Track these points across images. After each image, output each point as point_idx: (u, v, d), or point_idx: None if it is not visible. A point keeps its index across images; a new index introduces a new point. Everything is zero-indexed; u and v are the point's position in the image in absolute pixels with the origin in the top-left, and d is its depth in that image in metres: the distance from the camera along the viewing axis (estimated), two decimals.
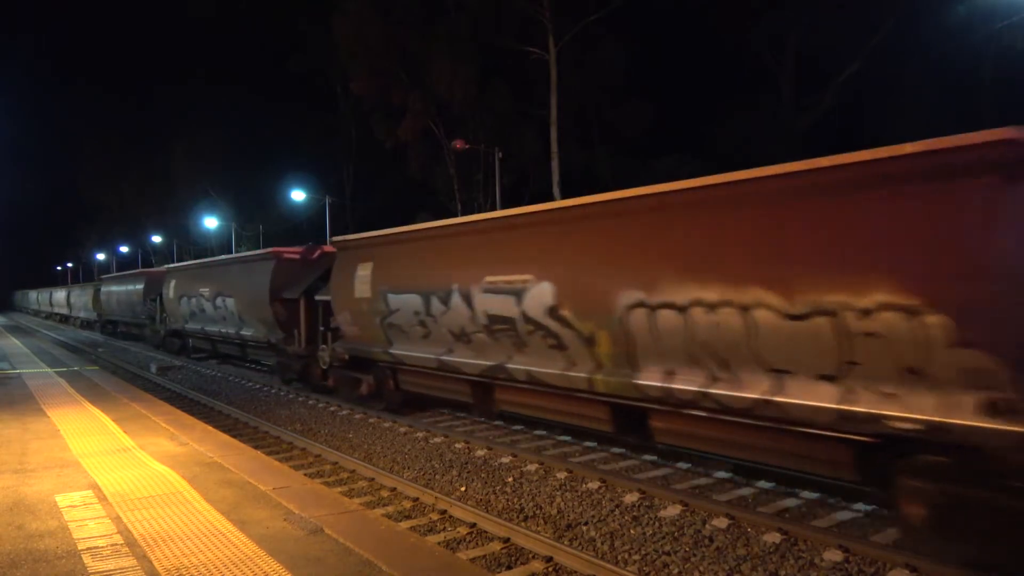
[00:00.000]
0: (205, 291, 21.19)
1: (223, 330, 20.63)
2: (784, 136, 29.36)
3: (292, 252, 17.35)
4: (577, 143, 35.13)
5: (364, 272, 12.88)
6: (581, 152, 35.46)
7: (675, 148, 32.75)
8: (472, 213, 38.40)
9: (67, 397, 13.01)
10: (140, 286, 30.39)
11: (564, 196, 29.72)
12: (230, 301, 19.31)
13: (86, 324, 47.61)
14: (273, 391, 17.09)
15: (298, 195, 43.51)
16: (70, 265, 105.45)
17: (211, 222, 55.71)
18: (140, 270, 35.94)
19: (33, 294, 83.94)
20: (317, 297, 15.24)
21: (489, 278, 9.88)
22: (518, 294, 9.34)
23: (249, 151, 56.73)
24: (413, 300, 11.55)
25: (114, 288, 36.14)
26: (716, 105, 33.16)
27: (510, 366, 9.82)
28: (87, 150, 76.74)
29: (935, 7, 24.55)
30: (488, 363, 10.22)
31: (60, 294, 60.10)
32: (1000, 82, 24.56)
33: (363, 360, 13.63)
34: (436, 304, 10.98)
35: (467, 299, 10.29)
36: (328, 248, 16.80)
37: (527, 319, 9.25)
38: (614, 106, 35.12)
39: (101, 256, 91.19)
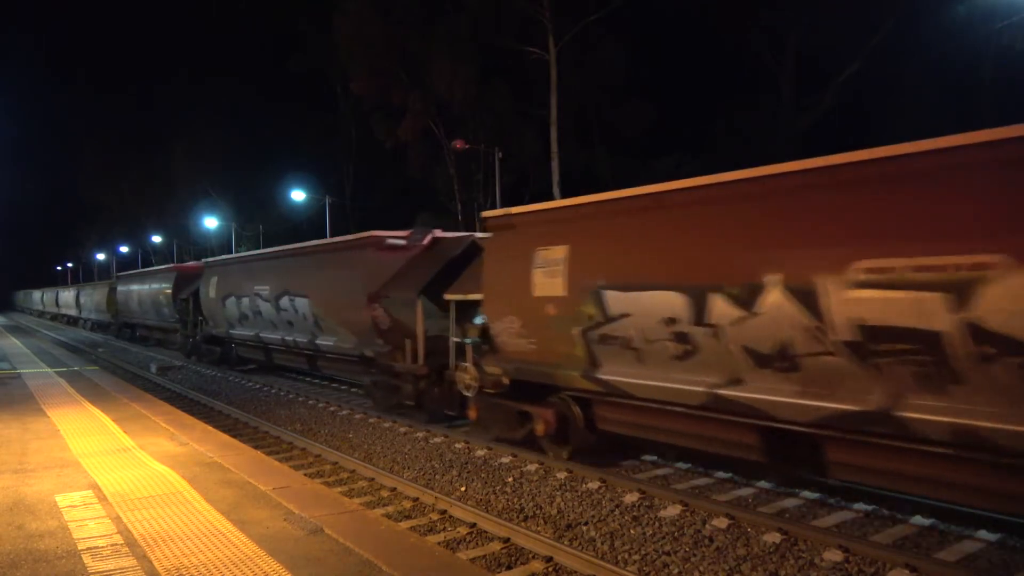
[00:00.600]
0: (263, 289, 17.41)
1: (288, 338, 16.75)
2: (784, 136, 29.38)
3: (396, 237, 13.43)
4: (577, 143, 35.19)
5: (551, 259, 9.04)
6: (581, 152, 35.51)
7: (675, 148, 32.81)
8: (472, 214, 38.71)
9: (67, 397, 13.01)
10: (169, 284, 26.56)
11: (563, 195, 29.79)
12: (302, 302, 15.54)
13: (98, 326, 43.55)
14: (273, 391, 17.09)
15: (298, 195, 43.60)
16: (70, 265, 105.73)
17: (211, 222, 55.78)
18: (169, 265, 31.82)
19: (37, 294, 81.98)
20: (447, 296, 11.38)
21: (867, 263, 5.91)
22: (957, 291, 5.42)
23: (249, 151, 56.85)
24: (662, 300, 7.57)
25: (134, 287, 31.86)
26: (716, 105, 33.22)
27: (906, 415, 5.91)
28: (87, 150, 76.96)
29: (935, 7, 24.59)
30: (843, 406, 6.27)
31: (68, 294, 56.50)
32: (1000, 82, 24.59)
33: (535, 387, 9.76)
34: (721, 306, 7.03)
35: (805, 299, 6.33)
36: (442, 234, 13.51)
37: (982, 335, 5.34)
38: (614, 106, 35.17)
39: (101, 256, 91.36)
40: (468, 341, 10.90)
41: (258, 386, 18.03)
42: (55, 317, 63.97)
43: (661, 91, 35.70)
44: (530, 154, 35.42)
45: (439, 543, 6.66)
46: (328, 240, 15.70)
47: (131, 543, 5.21)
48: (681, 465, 9.35)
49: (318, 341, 15.44)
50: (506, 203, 31.33)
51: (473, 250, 11.91)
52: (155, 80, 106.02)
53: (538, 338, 9.41)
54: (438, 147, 38.38)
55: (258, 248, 37.84)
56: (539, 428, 9.75)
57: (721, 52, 33.73)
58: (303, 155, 50.54)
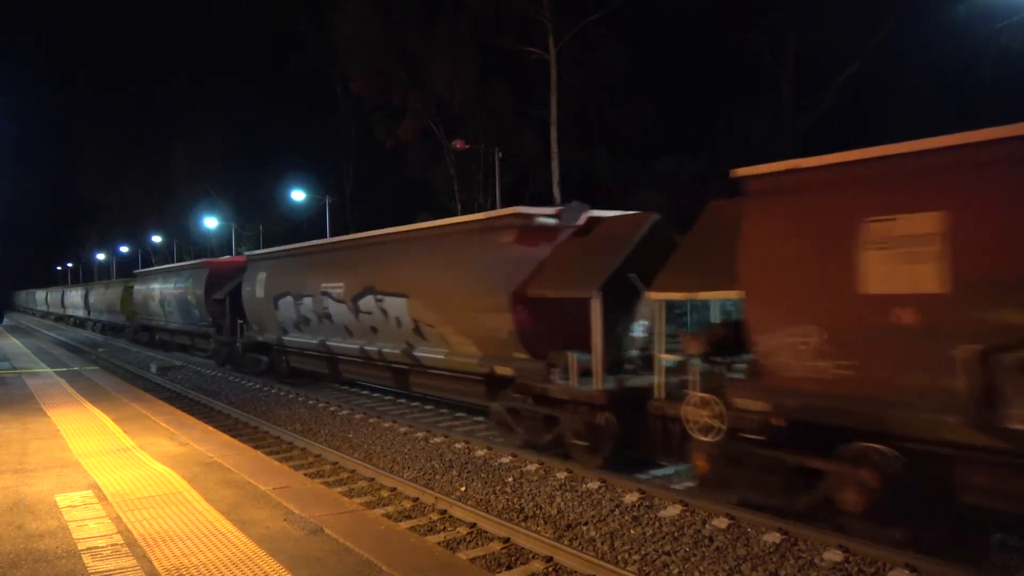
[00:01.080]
0: (335, 287, 14.55)
1: (371, 348, 13.84)
2: (784, 136, 29.39)
3: (545, 214, 10.36)
4: (577, 143, 35.18)
5: (906, 235, 5.92)
6: (581, 152, 35.50)
7: (675, 148, 32.79)
8: (472, 213, 38.43)
9: (67, 397, 13.01)
10: (199, 282, 23.63)
11: (564, 195, 29.81)
12: (397, 303, 12.54)
13: (110, 329, 40.56)
14: (273, 391, 17.08)
15: (298, 195, 43.58)
16: (70, 265, 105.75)
17: (211, 222, 55.75)
18: (201, 260, 28.40)
19: (41, 294, 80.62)
20: (653, 295, 8.26)
21: None
22: None
23: (249, 151, 56.76)
24: None
25: (156, 286, 28.70)
26: (716, 105, 33.21)
27: None
28: (87, 150, 76.83)
29: (935, 7, 24.61)
30: None
31: (75, 293, 53.79)
32: (1000, 82, 24.60)
33: (820, 434, 6.61)
34: None
35: None
36: (598, 212, 10.52)
37: None
38: (614, 106, 35.15)
39: (101, 256, 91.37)
40: (697, 362, 7.79)
41: (258, 386, 18.02)
42: (60, 318, 62.48)
43: (661, 91, 35.69)
44: (530, 154, 35.43)
45: (439, 543, 6.67)
46: (444, 221, 12.31)
47: (131, 543, 5.21)
48: (681, 465, 9.34)
49: (417, 353, 12.43)
50: (506, 203, 31.30)
51: (657, 232, 9.59)
52: (155, 80, 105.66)
53: (861, 359, 6.31)
54: (438, 147, 38.37)
55: (258, 248, 36.96)
56: (848, 498, 6.38)
57: (721, 52, 33.74)
58: (303, 155, 50.52)
